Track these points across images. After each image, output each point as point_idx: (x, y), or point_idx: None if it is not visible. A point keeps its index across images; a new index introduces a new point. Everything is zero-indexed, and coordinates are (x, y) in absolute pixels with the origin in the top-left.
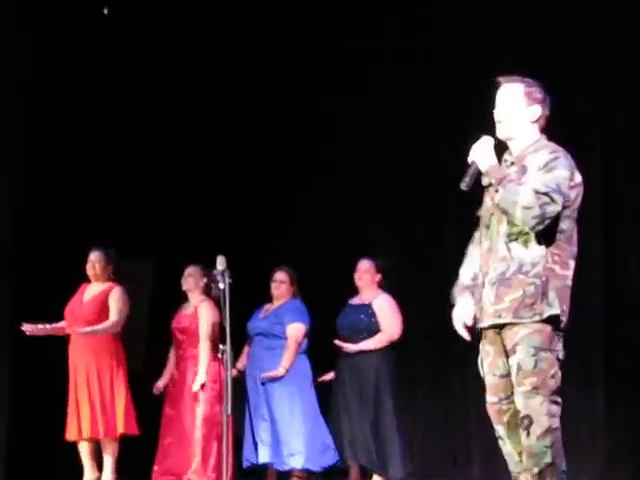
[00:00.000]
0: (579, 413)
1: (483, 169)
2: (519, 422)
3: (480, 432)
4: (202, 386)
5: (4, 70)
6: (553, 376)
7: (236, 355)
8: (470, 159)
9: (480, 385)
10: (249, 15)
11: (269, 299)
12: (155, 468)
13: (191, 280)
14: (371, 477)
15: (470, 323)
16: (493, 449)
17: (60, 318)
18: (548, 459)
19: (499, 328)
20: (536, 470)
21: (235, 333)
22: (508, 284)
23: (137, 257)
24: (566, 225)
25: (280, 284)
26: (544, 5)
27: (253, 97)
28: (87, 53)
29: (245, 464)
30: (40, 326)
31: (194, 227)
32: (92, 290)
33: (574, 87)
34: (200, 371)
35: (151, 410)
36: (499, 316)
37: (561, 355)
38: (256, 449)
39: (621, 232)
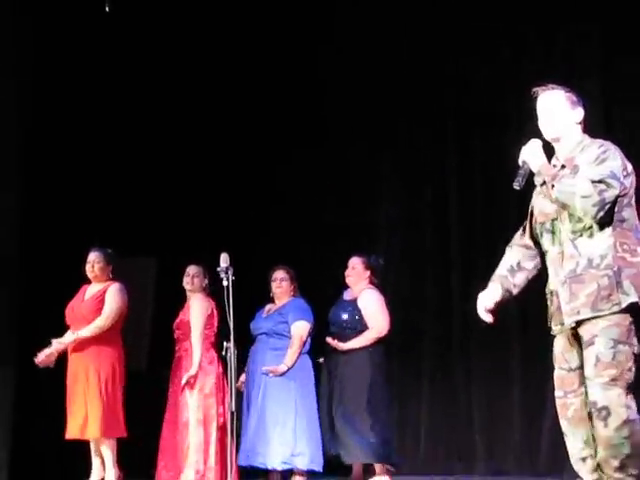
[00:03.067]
0: None
1: (535, 169)
2: (596, 413)
3: (484, 427)
4: (193, 378)
5: (5, 67)
6: (630, 369)
7: (240, 352)
8: (520, 160)
9: (483, 380)
10: None
11: (270, 299)
12: (158, 468)
13: (197, 281)
14: (374, 473)
15: (490, 306)
16: (497, 444)
17: (63, 319)
18: (627, 450)
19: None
20: (616, 463)
21: (239, 331)
22: (581, 280)
23: (141, 254)
24: (627, 213)
25: (281, 282)
26: None
27: (252, 96)
28: (88, 52)
29: (241, 463)
30: (47, 351)
31: (197, 224)
32: (92, 290)
33: None
34: (194, 362)
35: (154, 408)
36: (577, 312)
37: (637, 349)
38: (255, 449)
39: None
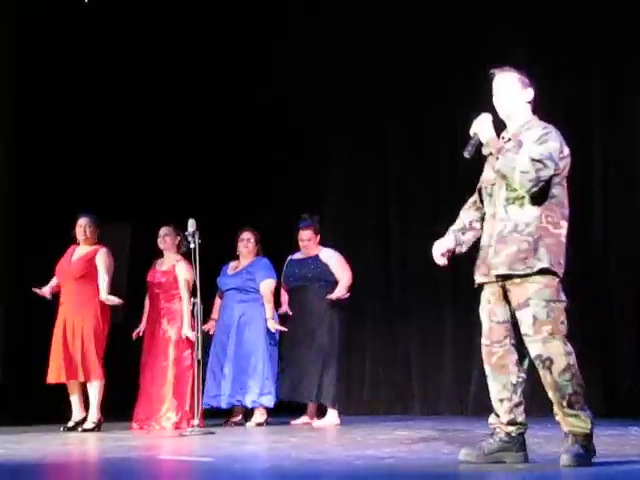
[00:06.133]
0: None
1: (484, 140)
2: (541, 365)
3: (421, 374)
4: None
5: None
6: (562, 322)
7: (206, 307)
8: (472, 131)
9: (420, 332)
10: None
11: (234, 257)
12: (136, 409)
13: (168, 239)
14: (325, 411)
15: (444, 252)
16: (431, 389)
17: (48, 272)
18: (570, 390)
19: (502, 280)
20: (564, 402)
21: (203, 287)
22: (504, 241)
23: (117, 219)
24: (557, 191)
25: (247, 242)
26: None
27: (224, 67)
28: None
29: (205, 407)
30: (45, 290)
31: (167, 192)
32: (80, 251)
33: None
34: (185, 325)
35: (131, 356)
36: (496, 268)
37: (566, 305)
38: (219, 394)
39: None
